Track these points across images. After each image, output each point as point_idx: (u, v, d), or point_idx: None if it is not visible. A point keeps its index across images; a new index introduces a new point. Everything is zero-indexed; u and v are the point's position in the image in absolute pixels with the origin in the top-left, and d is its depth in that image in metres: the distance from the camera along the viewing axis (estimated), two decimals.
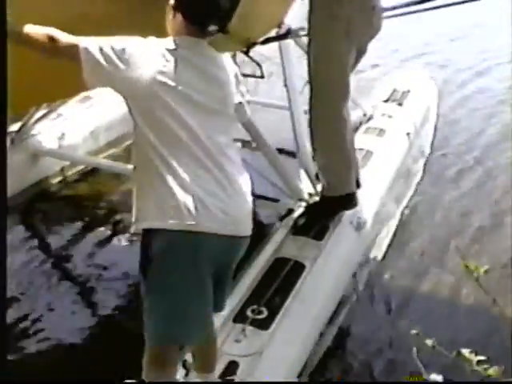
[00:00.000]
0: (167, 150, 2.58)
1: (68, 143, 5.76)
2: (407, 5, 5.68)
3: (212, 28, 2.72)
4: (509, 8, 8.81)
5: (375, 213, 4.85)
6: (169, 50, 2.61)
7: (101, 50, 2.56)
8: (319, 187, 4.56)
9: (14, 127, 5.48)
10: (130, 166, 4.84)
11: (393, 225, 5.33)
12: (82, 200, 5.59)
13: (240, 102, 2.89)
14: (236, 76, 2.88)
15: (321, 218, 4.42)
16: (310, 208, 4.54)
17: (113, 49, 2.57)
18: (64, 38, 2.60)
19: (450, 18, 9.80)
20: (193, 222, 2.54)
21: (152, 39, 2.66)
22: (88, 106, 6.15)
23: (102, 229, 5.19)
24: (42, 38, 2.59)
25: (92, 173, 5.77)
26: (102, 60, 2.55)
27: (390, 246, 5.09)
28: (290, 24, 4.43)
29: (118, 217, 5.33)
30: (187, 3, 2.70)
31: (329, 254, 4.20)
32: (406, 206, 5.63)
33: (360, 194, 4.54)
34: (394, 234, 5.24)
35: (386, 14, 4.53)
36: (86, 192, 5.68)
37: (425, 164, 6.37)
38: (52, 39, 2.59)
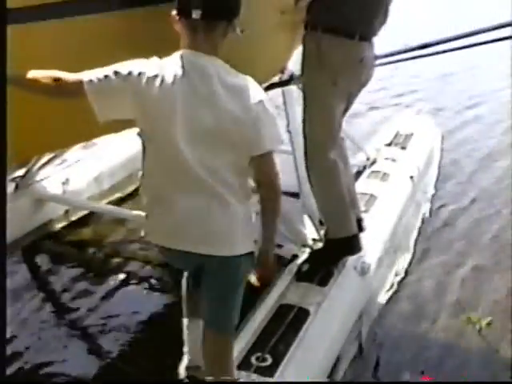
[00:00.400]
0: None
1: (72, 188, 5.78)
2: (400, 52, 5.77)
3: (196, 14, 2.60)
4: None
5: (379, 257, 4.83)
6: (165, 69, 2.66)
7: (105, 77, 2.65)
8: (323, 232, 4.56)
9: (18, 173, 5.49)
10: (134, 212, 4.89)
11: (398, 268, 5.30)
12: (86, 245, 5.56)
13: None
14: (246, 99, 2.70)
15: (325, 264, 4.42)
16: (313, 254, 4.53)
17: (116, 73, 2.66)
18: (67, 76, 2.67)
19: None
20: None
21: (154, 59, 2.72)
22: (92, 151, 6.18)
23: (106, 273, 5.16)
24: (46, 80, 2.66)
25: (96, 218, 5.76)
26: (106, 88, 2.65)
27: (394, 289, 5.07)
28: (293, 70, 4.49)
29: (121, 262, 5.32)
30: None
31: (333, 299, 4.18)
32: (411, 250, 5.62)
33: (364, 238, 4.54)
34: (399, 277, 5.23)
35: (379, 61, 4.60)
36: (90, 237, 5.66)
37: (430, 209, 6.37)
38: (56, 80, 2.66)
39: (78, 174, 5.95)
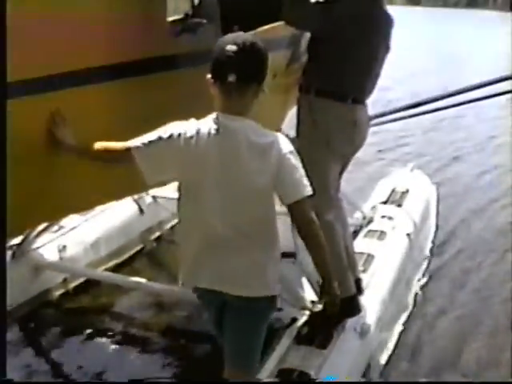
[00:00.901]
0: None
1: (69, 255, 5.77)
2: (394, 112, 5.85)
3: (231, 78, 2.86)
4: None
5: (379, 318, 4.81)
6: (200, 130, 2.95)
7: (150, 143, 2.97)
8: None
9: (15, 240, 5.49)
10: (131, 278, 4.88)
11: (397, 328, 5.27)
12: (84, 312, 5.53)
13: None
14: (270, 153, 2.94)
15: (324, 326, 4.39)
16: (313, 316, 4.51)
17: (160, 138, 2.97)
18: (116, 145, 3.06)
19: None
20: None
21: (191, 121, 3.01)
22: (88, 217, 6.18)
23: (105, 341, 5.12)
24: (100, 149, 3.11)
25: (94, 284, 5.73)
26: (152, 152, 2.96)
27: (394, 349, 5.03)
28: (287, 132, 4.54)
29: (120, 329, 5.28)
30: (211, 64, 2.96)
31: (333, 362, 4.15)
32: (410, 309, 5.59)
33: (363, 298, 4.53)
34: (399, 338, 5.19)
35: (373, 121, 4.66)
36: (88, 304, 5.63)
37: (428, 264, 6.38)
38: (108, 150, 3.10)
39: (75, 240, 5.94)
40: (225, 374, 3.27)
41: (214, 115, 2.98)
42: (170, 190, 6.17)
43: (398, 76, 17.66)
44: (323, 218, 4.26)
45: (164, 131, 2.98)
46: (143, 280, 5.21)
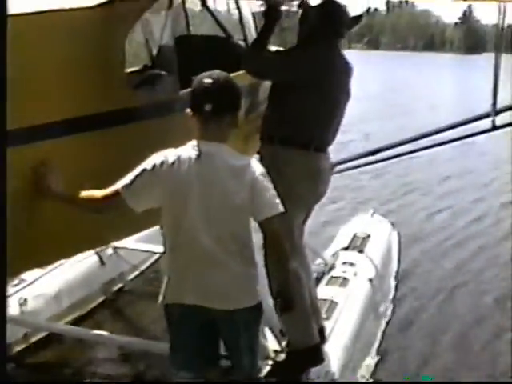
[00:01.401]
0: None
1: (30, 309, 5.69)
2: (359, 157, 5.91)
3: (208, 107, 3.23)
4: None
5: (343, 365, 4.80)
6: (181, 157, 3.27)
7: (136, 177, 3.30)
8: (285, 343, 4.54)
9: None
10: (94, 331, 4.83)
11: (363, 373, 5.27)
12: (46, 367, 5.45)
13: None
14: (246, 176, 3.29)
15: (288, 376, 4.38)
16: (276, 366, 4.49)
17: (144, 170, 3.30)
18: (105, 193, 3.34)
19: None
20: None
21: (171, 150, 3.32)
22: (49, 269, 6.11)
23: None
24: (89, 199, 3.39)
25: (57, 338, 5.65)
26: (139, 185, 3.29)
27: None
28: None
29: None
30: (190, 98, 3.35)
31: None
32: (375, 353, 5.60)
33: (326, 346, 4.53)
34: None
35: (338, 167, 4.70)
36: (51, 359, 5.55)
37: (392, 308, 6.41)
38: (98, 199, 3.37)
39: (36, 293, 5.86)
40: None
41: (193, 142, 3.32)
42: (131, 241, 6.20)
43: (352, 119, 17.83)
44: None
45: (147, 163, 3.30)
46: (106, 333, 5.16)
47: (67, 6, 3.63)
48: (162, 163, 3.30)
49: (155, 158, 3.32)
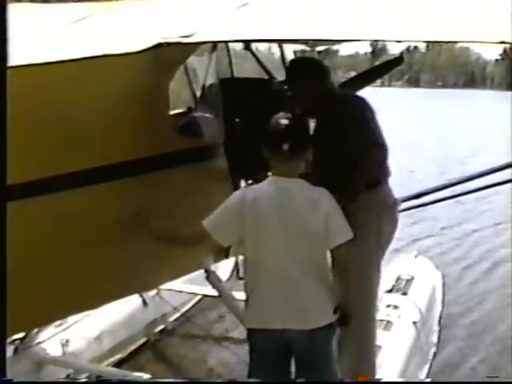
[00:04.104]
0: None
1: (72, 350, 5.70)
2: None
3: (285, 147, 3.53)
4: None
5: None
6: (260, 193, 3.62)
7: (218, 215, 3.62)
8: None
9: (18, 335, 5.42)
10: (135, 373, 4.83)
11: None
12: None
13: None
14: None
15: None
16: None
17: (225, 208, 3.62)
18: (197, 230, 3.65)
19: None
20: None
21: (249, 187, 3.97)
22: (91, 310, 6.11)
23: None
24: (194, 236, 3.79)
25: (98, 380, 5.62)
26: (222, 221, 3.61)
27: None
28: None
29: None
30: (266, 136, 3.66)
31: None
32: None
33: None
34: None
35: None
36: None
37: (434, 353, 6.29)
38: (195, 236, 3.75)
39: (78, 334, 5.87)
40: None
41: (271, 179, 3.68)
42: (175, 283, 6.19)
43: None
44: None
45: (229, 200, 3.65)
46: (147, 375, 5.13)
47: (112, 51, 3.66)
48: (243, 200, 3.62)
49: (236, 195, 3.71)
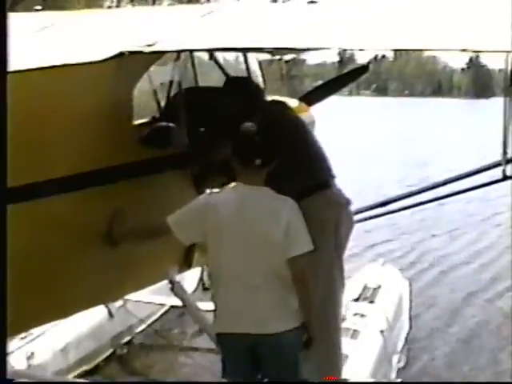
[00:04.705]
0: None
1: (37, 362, 5.62)
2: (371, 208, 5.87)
3: (258, 162, 3.58)
4: None
5: None
6: (219, 197, 3.74)
7: (180, 215, 3.70)
8: None
9: None
10: None
11: None
12: None
13: None
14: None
15: None
16: None
17: (189, 208, 3.72)
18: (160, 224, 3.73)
19: None
20: None
21: (212, 193, 3.93)
22: (56, 322, 6.01)
23: None
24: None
25: None
26: (185, 220, 3.70)
27: None
28: None
29: None
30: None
31: None
32: None
33: None
34: None
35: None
36: None
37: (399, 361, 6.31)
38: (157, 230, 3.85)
39: (44, 346, 5.80)
40: None
41: (234, 185, 3.69)
42: (140, 293, 6.14)
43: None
44: None
45: (193, 202, 3.76)
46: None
47: (74, 61, 3.62)
48: (207, 203, 3.70)
49: (200, 198, 3.83)
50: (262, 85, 6.01)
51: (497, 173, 5.09)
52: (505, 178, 5.02)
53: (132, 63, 3.92)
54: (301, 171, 4.20)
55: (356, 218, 4.87)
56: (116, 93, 3.91)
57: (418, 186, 6.50)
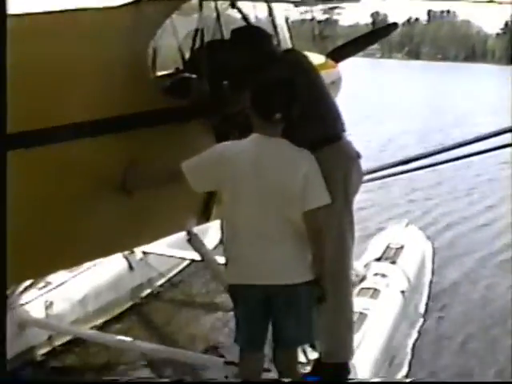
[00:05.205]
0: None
1: (56, 312, 5.64)
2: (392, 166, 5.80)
3: (278, 116, 3.56)
4: None
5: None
6: (236, 146, 3.68)
7: (195, 162, 3.66)
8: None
9: None
10: (119, 337, 4.80)
11: None
12: (70, 372, 5.38)
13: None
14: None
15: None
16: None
17: (205, 156, 3.67)
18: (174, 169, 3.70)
19: None
20: None
21: (234, 142, 3.77)
22: (76, 273, 6.04)
23: None
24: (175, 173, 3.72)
25: (81, 343, 5.58)
26: (199, 167, 3.66)
27: None
28: None
29: None
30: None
31: None
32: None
33: (354, 359, 4.41)
34: None
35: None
36: (74, 363, 5.48)
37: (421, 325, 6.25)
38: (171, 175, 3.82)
39: (62, 296, 5.80)
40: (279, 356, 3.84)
41: (254, 136, 3.62)
42: (161, 247, 6.13)
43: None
44: None
45: (210, 149, 3.71)
46: (129, 339, 5.09)
47: (91, 5, 3.56)
48: (223, 152, 3.65)
49: (217, 147, 3.76)
50: (289, 42, 5.93)
51: None
52: None
53: (151, 11, 3.86)
54: (313, 123, 4.10)
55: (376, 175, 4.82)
56: (134, 40, 3.84)
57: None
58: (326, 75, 5.12)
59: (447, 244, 9.12)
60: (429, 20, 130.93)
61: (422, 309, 6.54)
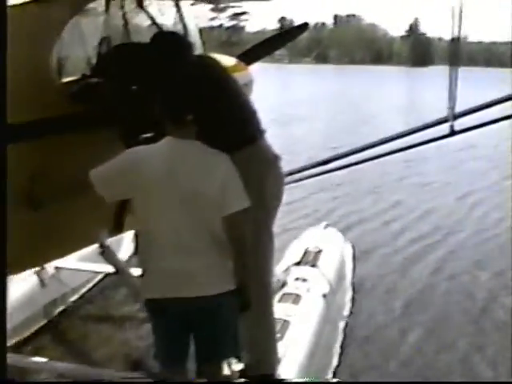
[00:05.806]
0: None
1: None
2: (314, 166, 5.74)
3: (189, 118, 3.45)
4: None
5: None
6: (148, 151, 3.51)
7: (104, 170, 3.48)
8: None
9: None
10: (34, 359, 4.57)
11: None
12: None
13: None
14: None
15: None
16: None
17: (114, 163, 3.49)
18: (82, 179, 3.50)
19: None
20: None
21: (145, 146, 3.59)
22: None
23: None
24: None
25: None
26: (107, 176, 3.48)
27: None
28: None
29: None
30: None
31: None
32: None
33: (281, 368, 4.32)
34: None
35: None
36: None
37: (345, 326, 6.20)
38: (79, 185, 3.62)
39: None
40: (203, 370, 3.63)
41: (166, 139, 3.49)
42: (74, 260, 5.91)
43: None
44: None
45: (119, 157, 3.52)
46: (44, 359, 4.86)
47: None
48: (134, 158, 3.48)
49: (127, 153, 3.56)
50: (199, 47, 5.83)
51: None
52: (452, 133, 4.98)
53: (54, 10, 3.70)
54: (227, 125, 4.00)
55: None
56: (37, 40, 3.67)
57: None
58: (238, 77, 5.01)
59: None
60: (335, 24, 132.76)
61: (345, 311, 6.49)
